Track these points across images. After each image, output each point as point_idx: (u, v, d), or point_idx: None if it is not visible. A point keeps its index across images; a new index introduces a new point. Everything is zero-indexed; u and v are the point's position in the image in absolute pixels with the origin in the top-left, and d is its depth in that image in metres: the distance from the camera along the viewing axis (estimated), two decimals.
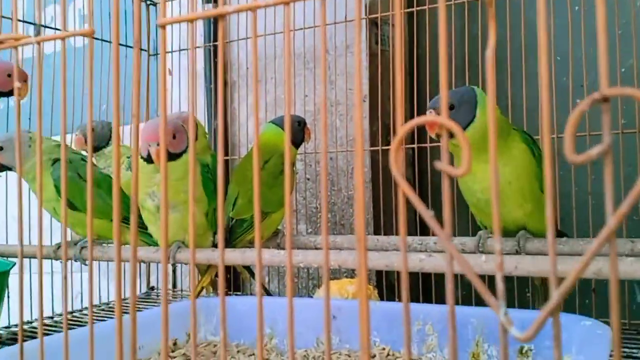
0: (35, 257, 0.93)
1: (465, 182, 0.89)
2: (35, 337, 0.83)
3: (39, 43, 0.41)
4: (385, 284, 1.26)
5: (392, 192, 1.29)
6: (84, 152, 1.08)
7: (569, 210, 1.11)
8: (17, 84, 0.42)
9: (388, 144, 1.32)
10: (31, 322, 1.12)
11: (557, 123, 1.09)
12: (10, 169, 0.95)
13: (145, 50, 1.46)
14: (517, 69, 1.16)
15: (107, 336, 0.60)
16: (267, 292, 1.21)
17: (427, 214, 0.31)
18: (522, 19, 1.16)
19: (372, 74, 1.38)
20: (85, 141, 1.12)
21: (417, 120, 0.31)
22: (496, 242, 0.30)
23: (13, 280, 1.05)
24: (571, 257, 0.69)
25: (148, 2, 1.46)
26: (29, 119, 1.23)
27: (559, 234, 0.96)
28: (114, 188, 0.40)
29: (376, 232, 1.31)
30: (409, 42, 1.37)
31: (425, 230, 1.27)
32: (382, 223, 1.30)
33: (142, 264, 1.45)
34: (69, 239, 1.04)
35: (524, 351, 0.67)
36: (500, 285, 0.30)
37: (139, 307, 1.12)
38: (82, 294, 1.35)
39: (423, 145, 1.25)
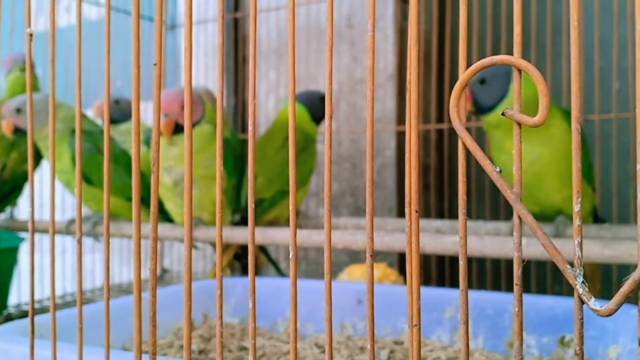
0: (47, 232, 0.90)
1: (501, 162, 0.84)
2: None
3: None
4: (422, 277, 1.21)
5: (421, 175, 1.24)
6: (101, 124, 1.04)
7: (609, 196, 1.06)
8: (28, 30, 0.38)
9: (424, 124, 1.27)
10: (41, 301, 1.09)
11: (598, 104, 1.03)
12: (26, 133, 0.91)
13: (163, 23, 1.42)
14: (542, 48, 1.10)
15: (124, 313, 0.56)
16: (280, 272, 1.16)
17: (492, 169, 0.26)
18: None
19: (400, 51, 1.32)
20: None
21: (490, 60, 0.26)
22: (575, 203, 0.25)
23: (23, 259, 1.02)
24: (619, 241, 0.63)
25: None
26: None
27: (599, 220, 0.91)
28: (133, 164, 0.36)
29: (400, 217, 1.26)
30: (440, 18, 1.30)
31: (454, 214, 1.22)
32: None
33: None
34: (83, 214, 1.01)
35: (565, 341, 0.62)
36: (577, 252, 0.25)
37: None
38: (93, 274, 1.32)
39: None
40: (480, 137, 1.13)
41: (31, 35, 0.41)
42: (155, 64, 0.37)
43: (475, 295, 0.67)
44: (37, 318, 0.58)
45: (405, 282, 1.02)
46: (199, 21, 1.42)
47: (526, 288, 1.02)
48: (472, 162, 1.12)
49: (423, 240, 0.71)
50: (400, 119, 1.29)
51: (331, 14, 0.31)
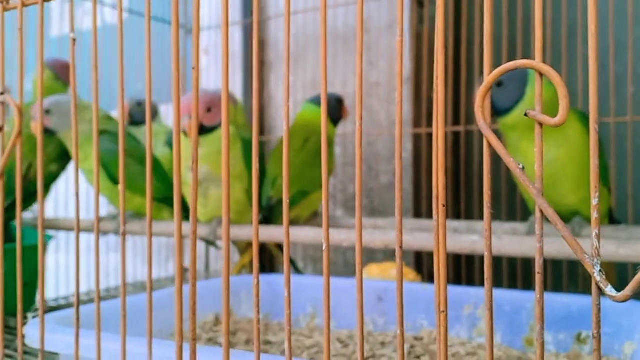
0: (74, 230, 0.92)
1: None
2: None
3: (44, 1, 0.39)
4: (427, 270, 1.23)
5: (428, 176, 1.25)
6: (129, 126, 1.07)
7: (624, 198, 1.07)
8: (71, 35, 0.40)
9: (431, 126, 1.29)
10: (67, 297, 1.12)
11: (613, 107, 1.05)
12: (54, 134, 0.94)
13: (183, 27, 1.45)
14: (557, 51, 1.11)
15: (155, 307, 0.59)
16: (298, 271, 1.18)
17: (516, 166, 0.29)
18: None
19: (415, 55, 1.34)
20: (130, 111, 1.12)
21: (521, 62, 0.28)
22: (593, 197, 0.27)
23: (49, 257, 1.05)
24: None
25: None
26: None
27: (614, 221, 0.92)
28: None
29: (417, 217, 1.28)
30: (456, 22, 1.32)
31: (472, 214, 1.24)
32: (424, 211, 1.27)
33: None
34: (109, 212, 1.03)
35: (581, 338, 0.63)
36: (595, 243, 0.27)
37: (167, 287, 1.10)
38: (117, 271, 1.35)
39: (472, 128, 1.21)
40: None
41: (74, 40, 0.43)
42: (193, 68, 0.39)
43: (493, 293, 0.69)
44: (71, 311, 0.61)
45: (422, 280, 1.04)
46: (218, 25, 1.45)
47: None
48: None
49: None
50: (416, 121, 1.31)
51: (361, 25, 0.34)
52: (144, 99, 1.13)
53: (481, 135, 0.30)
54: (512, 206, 1.16)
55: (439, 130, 0.31)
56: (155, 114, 1.15)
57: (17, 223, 0.48)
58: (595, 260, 0.27)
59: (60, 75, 1.09)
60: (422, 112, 1.30)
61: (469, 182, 1.23)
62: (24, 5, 0.45)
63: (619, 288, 0.27)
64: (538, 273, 0.29)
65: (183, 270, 1.18)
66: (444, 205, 0.31)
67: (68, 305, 1.04)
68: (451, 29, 1.32)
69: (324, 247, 0.34)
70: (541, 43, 0.28)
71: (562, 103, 0.27)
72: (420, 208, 1.26)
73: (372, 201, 1.39)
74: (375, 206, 1.39)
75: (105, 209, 1.37)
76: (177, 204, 0.39)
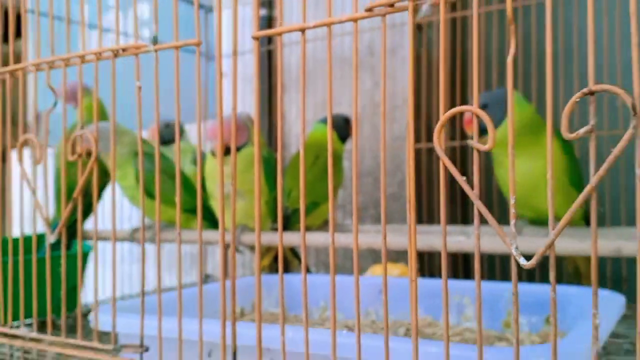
0: (110, 239, 1.05)
1: (501, 175, 0.98)
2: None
3: (156, 51, 0.53)
4: (428, 269, 1.36)
5: (433, 188, 1.38)
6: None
7: (604, 202, 1.19)
8: (138, 84, 0.54)
9: (430, 141, 1.42)
10: (103, 302, 1.25)
11: (607, 122, 1.17)
12: (98, 156, 1.07)
13: (203, 54, 1.59)
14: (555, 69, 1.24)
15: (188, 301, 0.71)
16: (308, 270, 1.31)
17: (461, 179, 0.41)
18: (561, 22, 1.24)
19: (417, 76, 1.47)
20: (160, 131, 1.25)
21: (456, 110, 0.41)
22: (511, 198, 0.40)
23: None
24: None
25: (205, 9, 1.59)
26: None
27: (589, 223, 1.04)
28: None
29: (419, 224, 1.40)
30: (452, 44, 1.45)
31: (467, 220, 1.36)
32: (424, 217, 1.40)
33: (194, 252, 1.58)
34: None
35: (550, 320, 0.75)
36: (512, 227, 0.40)
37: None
38: (146, 279, 1.48)
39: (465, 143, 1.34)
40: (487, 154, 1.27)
41: (140, 87, 0.56)
42: (223, 76, 0.52)
43: (471, 283, 0.81)
44: (124, 303, 0.74)
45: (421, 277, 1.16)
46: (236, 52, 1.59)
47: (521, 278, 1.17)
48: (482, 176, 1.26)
49: (432, 239, 0.85)
50: (416, 137, 1.44)
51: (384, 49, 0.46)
52: (172, 121, 1.26)
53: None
54: (504, 212, 1.29)
55: (409, 148, 0.44)
56: (181, 133, 1.29)
57: (78, 238, 0.62)
58: (513, 241, 0.39)
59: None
60: (421, 129, 1.42)
61: (465, 192, 1.35)
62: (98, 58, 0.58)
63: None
64: (477, 262, 0.41)
65: (206, 277, 1.32)
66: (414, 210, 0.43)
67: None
68: (459, 49, 1.45)
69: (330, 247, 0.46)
70: (477, 89, 0.41)
71: (490, 134, 0.40)
72: (422, 215, 1.38)
73: (378, 210, 1.52)
74: (380, 214, 1.51)
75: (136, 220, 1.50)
76: (200, 211, 0.52)
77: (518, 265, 0.40)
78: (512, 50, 0.39)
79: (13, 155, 1.43)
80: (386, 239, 0.46)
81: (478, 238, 0.41)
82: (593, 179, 0.36)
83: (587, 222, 1.03)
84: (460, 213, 1.30)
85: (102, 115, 1.20)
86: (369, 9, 0.45)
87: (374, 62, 1.53)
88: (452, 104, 1.38)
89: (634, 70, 0.35)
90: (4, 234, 0.94)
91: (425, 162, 1.40)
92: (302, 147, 0.45)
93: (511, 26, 0.39)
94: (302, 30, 0.48)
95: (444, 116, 0.42)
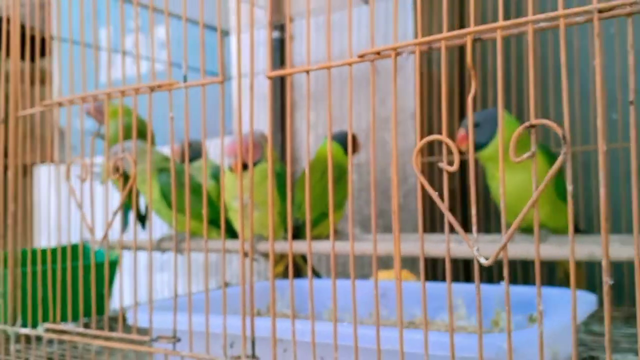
0: (142, 249, 1.15)
1: (493, 187, 1.07)
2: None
3: (186, 87, 0.63)
4: (432, 274, 1.45)
5: (431, 199, 1.47)
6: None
7: (592, 211, 1.27)
8: (171, 115, 0.64)
9: (431, 155, 1.51)
10: (128, 307, 1.35)
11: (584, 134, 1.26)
12: (127, 173, 1.18)
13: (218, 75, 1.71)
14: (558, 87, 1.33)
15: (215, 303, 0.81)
16: (318, 276, 1.41)
17: (434, 194, 0.51)
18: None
19: (421, 94, 1.57)
20: (181, 152, 1.36)
21: (429, 138, 0.51)
22: (473, 205, 0.49)
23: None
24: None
25: (223, 32, 1.70)
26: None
27: (579, 231, 1.13)
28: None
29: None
30: (460, 62, 1.54)
31: (467, 229, 1.45)
32: (427, 226, 1.49)
33: (212, 261, 1.69)
34: (168, 233, 1.27)
35: (532, 318, 0.84)
36: (476, 235, 0.49)
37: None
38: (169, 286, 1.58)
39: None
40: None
41: (172, 118, 0.67)
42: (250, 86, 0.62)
43: (467, 287, 0.90)
44: (159, 302, 0.84)
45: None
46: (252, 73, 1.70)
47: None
48: (480, 186, 1.35)
49: (427, 246, 0.94)
50: (422, 151, 1.53)
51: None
52: (193, 140, 1.37)
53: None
54: (498, 221, 1.37)
55: (394, 163, 0.54)
56: (200, 151, 1.39)
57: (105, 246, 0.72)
58: (476, 243, 0.49)
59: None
60: (433, 144, 1.52)
61: (469, 203, 1.44)
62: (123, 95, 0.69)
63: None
64: (447, 267, 0.51)
65: (225, 284, 1.41)
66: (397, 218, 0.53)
67: None
68: (457, 68, 1.54)
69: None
70: (447, 118, 0.51)
71: (456, 158, 0.50)
72: (426, 224, 1.48)
73: (385, 221, 1.61)
74: (388, 224, 1.61)
75: (159, 231, 1.61)
76: (224, 222, 0.62)
77: (482, 265, 0.49)
78: (472, 90, 0.48)
79: (35, 170, 1.53)
80: (377, 245, 0.56)
81: (448, 243, 0.50)
82: (534, 194, 0.46)
83: (577, 230, 1.12)
84: (461, 222, 1.39)
85: (140, 132, 1.31)
86: (361, 55, 0.55)
87: (380, 80, 1.63)
88: (452, 118, 1.48)
89: (564, 106, 0.44)
90: (28, 244, 1.04)
91: (427, 174, 1.49)
92: (308, 166, 0.55)
93: (472, 71, 0.49)
94: (307, 72, 0.58)
95: (419, 143, 0.51)
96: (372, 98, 0.54)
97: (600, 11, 0.43)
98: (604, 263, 0.45)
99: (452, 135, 1.55)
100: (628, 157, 1.25)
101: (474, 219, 0.49)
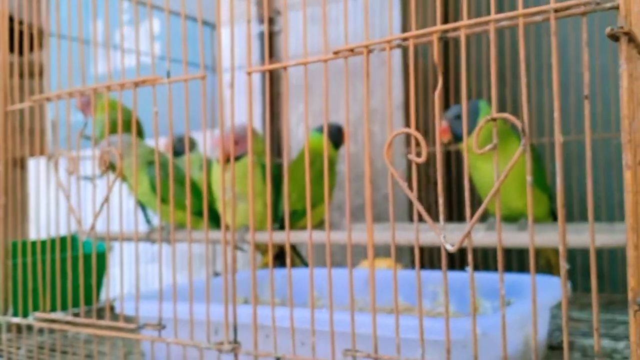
0: (131, 240, 1.17)
1: (475, 177, 1.10)
2: None
3: (169, 83, 0.65)
4: (430, 262, 1.49)
5: (430, 189, 1.50)
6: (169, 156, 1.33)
7: (572, 201, 1.30)
8: (155, 109, 0.66)
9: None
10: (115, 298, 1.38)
11: (574, 127, 1.29)
12: (114, 166, 1.20)
13: (209, 68, 1.72)
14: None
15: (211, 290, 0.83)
16: (306, 265, 1.44)
17: (404, 185, 0.53)
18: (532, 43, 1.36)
19: (406, 86, 1.59)
20: (173, 144, 1.38)
21: (400, 131, 0.53)
22: (439, 195, 0.52)
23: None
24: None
25: (211, 26, 1.72)
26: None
27: (556, 219, 1.16)
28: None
29: (410, 222, 1.52)
30: (445, 56, 1.57)
31: (462, 218, 1.49)
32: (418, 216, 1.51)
33: (202, 251, 1.71)
34: (158, 224, 1.29)
35: (510, 302, 0.87)
36: (442, 212, 0.52)
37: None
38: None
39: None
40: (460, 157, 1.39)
41: (157, 112, 0.69)
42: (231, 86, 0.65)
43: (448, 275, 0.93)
44: (146, 291, 0.86)
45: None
46: (240, 66, 1.72)
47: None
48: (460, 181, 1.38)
49: (411, 235, 0.97)
50: (408, 142, 1.56)
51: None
52: (182, 135, 1.39)
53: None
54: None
55: (367, 159, 0.56)
56: (193, 146, 1.42)
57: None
58: (442, 231, 0.51)
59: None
60: (412, 135, 1.54)
61: (461, 192, 1.47)
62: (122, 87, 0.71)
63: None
64: (417, 257, 0.53)
65: (215, 275, 1.45)
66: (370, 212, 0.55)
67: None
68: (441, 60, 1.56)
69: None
70: (415, 113, 0.53)
71: (423, 152, 0.52)
72: (412, 214, 1.50)
73: (374, 210, 1.64)
74: (377, 214, 1.63)
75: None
76: (208, 215, 0.64)
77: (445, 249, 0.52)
78: (439, 86, 0.51)
79: (30, 163, 1.55)
80: (353, 235, 0.58)
81: (417, 231, 0.53)
82: (495, 185, 0.48)
83: (554, 218, 1.15)
84: (456, 212, 1.43)
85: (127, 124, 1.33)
86: (336, 52, 0.57)
87: (369, 70, 1.65)
88: (447, 108, 1.50)
89: (523, 100, 0.47)
90: (23, 236, 1.06)
91: (416, 166, 1.52)
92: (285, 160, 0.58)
93: (438, 68, 0.51)
94: (285, 68, 0.60)
95: (390, 135, 0.54)
96: (346, 94, 0.56)
97: (556, 10, 0.46)
98: (560, 249, 0.47)
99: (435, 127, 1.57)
100: (608, 148, 1.27)
101: (441, 208, 0.51)
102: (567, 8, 0.45)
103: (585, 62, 0.45)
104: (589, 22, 0.46)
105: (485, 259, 1.39)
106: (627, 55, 0.45)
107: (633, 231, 0.47)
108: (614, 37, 0.45)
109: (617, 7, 0.45)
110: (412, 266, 1.48)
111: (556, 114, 0.46)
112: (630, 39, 0.46)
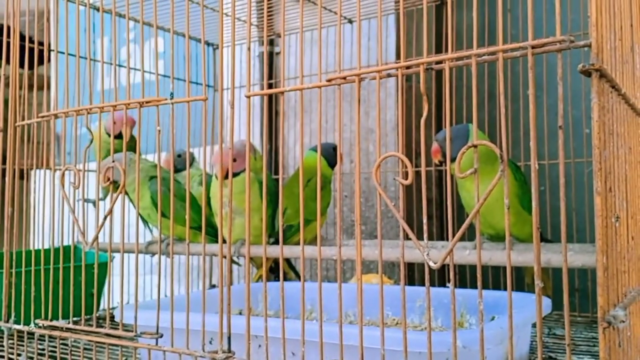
0: (131, 252, 1.20)
1: (464, 197, 1.14)
2: None
3: (172, 104, 0.69)
4: (420, 278, 1.52)
5: (420, 207, 1.53)
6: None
7: (557, 221, 1.34)
8: (158, 128, 0.70)
9: (417, 166, 1.57)
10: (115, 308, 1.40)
11: (547, 152, 1.33)
12: (117, 182, 1.24)
13: (212, 87, 1.76)
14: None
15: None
16: (299, 279, 1.47)
17: (390, 204, 0.57)
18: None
19: (403, 107, 1.63)
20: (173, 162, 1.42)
21: (389, 154, 0.57)
22: (424, 216, 0.56)
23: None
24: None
25: (213, 47, 1.77)
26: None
27: (543, 240, 1.19)
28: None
29: (406, 238, 1.56)
30: (437, 79, 1.61)
31: (444, 236, 1.52)
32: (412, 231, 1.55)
33: (200, 264, 1.74)
34: (158, 237, 1.33)
35: (495, 319, 0.90)
36: (425, 230, 0.56)
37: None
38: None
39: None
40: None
41: (159, 130, 0.72)
42: (231, 106, 0.68)
43: (435, 290, 0.96)
44: (145, 301, 0.89)
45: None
46: (241, 85, 1.76)
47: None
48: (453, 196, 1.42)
49: (399, 252, 1.00)
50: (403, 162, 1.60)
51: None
52: (182, 151, 1.43)
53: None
54: (472, 228, 1.44)
55: (357, 175, 0.60)
56: (192, 161, 1.45)
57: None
58: (426, 249, 0.55)
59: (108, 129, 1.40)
60: (412, 154, 1.58)
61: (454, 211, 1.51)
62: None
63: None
64: (402, 271, 0.57)
65: (211, 286, 1.48)
66: (360, 225, 0.59)
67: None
68: (434, 81, 1.61)
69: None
70: (402, 137, 0.57)
71: (410, 174, 0.56)
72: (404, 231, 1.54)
73: (368, 227, 1.67)
74: (371, 231, 1.67)
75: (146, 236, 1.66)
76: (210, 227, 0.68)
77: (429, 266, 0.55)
78: (424, 114, 0.54)
79: (32, 174, 1.58)
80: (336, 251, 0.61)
81: (402, 248, 0.56)
82: (476, 207, 0.52)
83: (542, 239, 1.19)
84: (453, 230, 1.46)
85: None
86: (329, 80, 0.61)
87: (364, 93, 1.70)
88: (440, 128, 1.54)
89: (502, 128, 0.50)
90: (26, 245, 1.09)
91: (413, 183, 1.55)
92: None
93: (424, 96, 0.55)
94: (282, 93, 0.64)
95: (378, 160, 0.58)
96: (339, 118, 0.60)
97: (533, 47, 0.50)
98: (535, 268, 0.51)
99: (427, 149, 1.61)
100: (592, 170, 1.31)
101: (424, 227, 0.55)
102: (544, 45, 0.49)
103: (560, 95, 0.49)
104: (563, 57, 0.50)
105: (473, 277, 1.43)
106: (598, 90, 0.49)
107: (602, 253, 0.50)
108: (587, 73, 0.49)
109: (589, 45, 0.49)
110: (413, 282, 1.51)
111: (532, 143, 0.50)
112: (602, 74, 0.50)
